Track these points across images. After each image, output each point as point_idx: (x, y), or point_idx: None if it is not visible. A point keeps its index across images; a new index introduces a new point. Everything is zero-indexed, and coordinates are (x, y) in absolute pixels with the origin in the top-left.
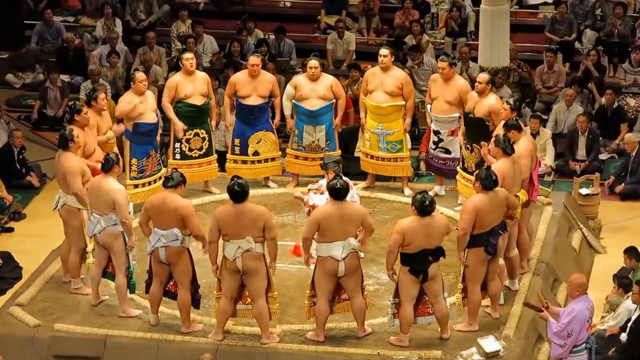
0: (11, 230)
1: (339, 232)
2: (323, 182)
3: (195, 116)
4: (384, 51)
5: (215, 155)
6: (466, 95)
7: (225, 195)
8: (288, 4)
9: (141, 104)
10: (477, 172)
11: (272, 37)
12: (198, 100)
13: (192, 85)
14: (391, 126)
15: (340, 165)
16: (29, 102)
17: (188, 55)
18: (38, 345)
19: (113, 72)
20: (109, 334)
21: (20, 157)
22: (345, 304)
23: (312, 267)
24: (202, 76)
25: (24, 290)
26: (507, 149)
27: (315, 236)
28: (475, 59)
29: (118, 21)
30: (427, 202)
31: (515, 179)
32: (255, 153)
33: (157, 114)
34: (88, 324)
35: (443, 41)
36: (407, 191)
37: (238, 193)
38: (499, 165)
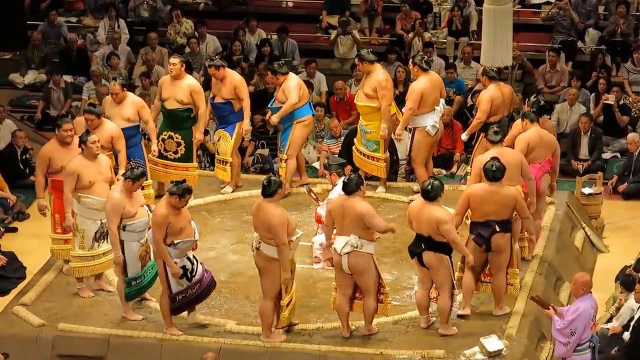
0: (15, 230)
1: (341, 225)
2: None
3: (168, 119)
4: (173, 60)
5: (195, 164)
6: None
7: (224, 197)
8: (290, 4)
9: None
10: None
11: (275, 37)
12: (172, 105)
13: (172, 89)
14: (369, 125)
15: (344, 169)
16: (32, 102)
17: (172, 60)
18: (42, 344)
19: (114, 74)
20: (112, 333)
21: (24, 157)
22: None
23: (317, 266)
24: (187, 84)
25: (28, 290)
26: (493, 138)
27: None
28: (477, 59)
29: (122, 22)
30: (430, 187)
31: (510, 170)
32: (217, 152)
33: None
34: (92, 323)
35: (445, 41)
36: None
37: (264, 187)
38: (483, 156)
